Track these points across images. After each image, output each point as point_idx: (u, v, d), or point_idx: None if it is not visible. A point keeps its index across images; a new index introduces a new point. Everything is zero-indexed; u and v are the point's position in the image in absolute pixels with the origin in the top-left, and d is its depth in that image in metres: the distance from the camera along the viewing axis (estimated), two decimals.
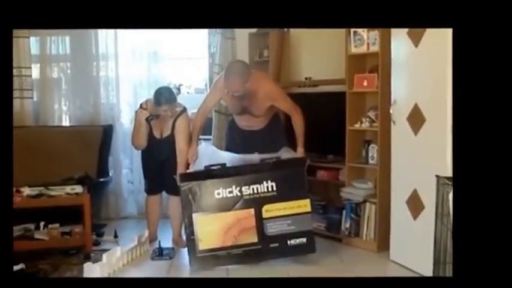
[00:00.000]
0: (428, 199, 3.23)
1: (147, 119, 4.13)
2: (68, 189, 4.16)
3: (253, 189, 3.69)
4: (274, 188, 3.69)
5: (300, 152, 3.92)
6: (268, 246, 3.65)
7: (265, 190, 3.70)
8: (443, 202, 2.65)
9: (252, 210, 3.67)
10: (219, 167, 3.76)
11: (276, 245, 3.65)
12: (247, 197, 3.68)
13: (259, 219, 3.66)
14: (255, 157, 3.88)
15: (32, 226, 4.19)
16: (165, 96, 4.05)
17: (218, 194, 3.68)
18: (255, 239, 3.65)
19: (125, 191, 5.26)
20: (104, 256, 3.57)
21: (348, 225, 4.24)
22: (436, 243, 2.78)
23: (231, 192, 3.68)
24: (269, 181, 3.70)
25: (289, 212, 3.67)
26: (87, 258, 3.80)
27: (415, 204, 3.54)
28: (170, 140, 4.16)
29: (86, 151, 4.84)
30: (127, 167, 5.28)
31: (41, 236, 4.09)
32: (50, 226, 4.15)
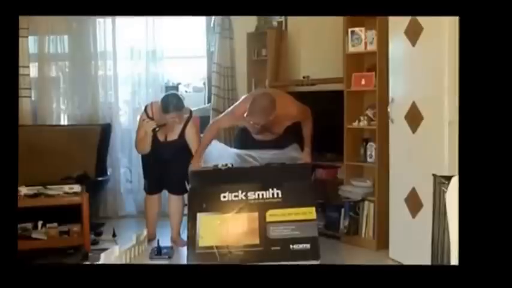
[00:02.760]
0: (427, 197, 3.22)
1: (154, 130, 4.08)
2: (66, 188, 4.14)
3: (258, 195, 3.70)
4: (280, 195, 3.71)
5: (306, 152, 3.92)
6: (269, 248, 3.61)
7: (271, 196, 3.71)
8: (440, 201, 2.65)
9: (256, 214, 3.66)
10: (226, 167, 3.79)
11: (278, 248, 3.60)
12: (252, 201, 3.69)
13: (263, 222, 3.65)
14: (262, 154, 3.89)
15: (29, 225, 4.17)
16: (173, 104, 3.98)
17: (224, 197, 3.70)
18: (256, 241, 3.63)
19: (124, 189, 5.26)
20: (102, 255, 3.55)
21: (346, 223, 4.25)
22: (434, 242, 2.78)
23: (236, 196, 3.70)
24: (275, 189, 3.71)
25: (293, 218, 3.64)
26: (85, 257, 3.80)
27: (413, 202, 3.54)
28: (175, 144, 4.12)
29: (84, 150, 4.83)
30: (125, 165, 5.27)
31: (38, 235, 4.08)
32: (48, 225, 4.15)
